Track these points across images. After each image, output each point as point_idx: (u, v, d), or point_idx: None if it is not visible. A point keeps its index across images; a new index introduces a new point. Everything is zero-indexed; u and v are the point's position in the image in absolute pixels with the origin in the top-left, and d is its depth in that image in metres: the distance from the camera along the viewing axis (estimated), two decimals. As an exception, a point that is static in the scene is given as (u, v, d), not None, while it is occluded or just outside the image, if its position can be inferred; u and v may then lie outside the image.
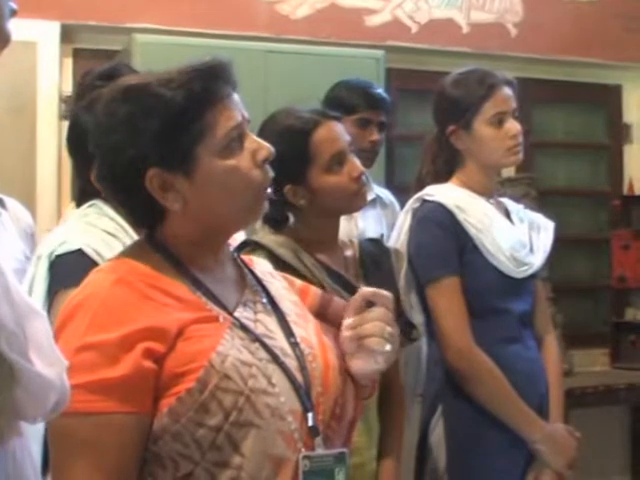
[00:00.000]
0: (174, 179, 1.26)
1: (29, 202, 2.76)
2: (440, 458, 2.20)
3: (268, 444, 1.21)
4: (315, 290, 1.49)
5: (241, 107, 1.31)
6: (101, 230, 1.87)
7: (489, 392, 2.17)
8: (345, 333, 1.35)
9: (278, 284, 1.44)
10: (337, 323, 1.43)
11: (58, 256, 1.84)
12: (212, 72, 1.27)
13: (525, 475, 2.21)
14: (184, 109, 1.24)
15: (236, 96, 1.31)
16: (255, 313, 1.32)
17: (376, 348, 1.32)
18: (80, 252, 1.82)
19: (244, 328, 1.26)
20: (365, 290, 1.36)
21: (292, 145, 1.87)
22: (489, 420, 2.16)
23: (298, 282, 1.50)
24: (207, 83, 1.26)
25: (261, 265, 1.48)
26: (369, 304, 1.35)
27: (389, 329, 1.32)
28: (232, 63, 1.31)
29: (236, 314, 1.28)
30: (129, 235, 1.81)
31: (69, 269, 1.73)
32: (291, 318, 1.36)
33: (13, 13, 1.14)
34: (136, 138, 1.24)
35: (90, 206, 1.95)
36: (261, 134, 1.90)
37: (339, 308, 1.46)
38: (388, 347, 1.32)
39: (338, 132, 1.93)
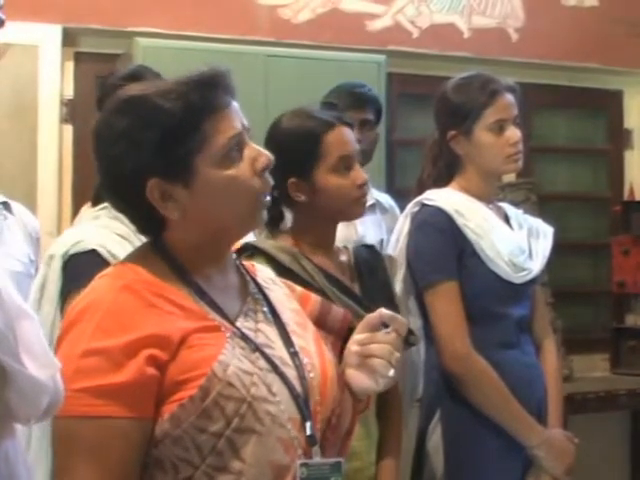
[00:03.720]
0: (173, 189, 1.27)
1: (30, 205, 2.76)
2: (438, 463, 2.20)
3: (268, 451, 1.22)
4: (315, 298, 1.51)
5: (241, 115, 1.32)
6: (114, 233, 1.87)
7: (487, 397, 2.16)
8: (353, 347, 1.37)
9: (279, 291, 1.45)
10: (335, 331, 1.46)
11: (72, 256, 1.85)
12: (210, 82, 1.28)
13: (523, 480, 2.21)
14: (182, 120, 1.25)
15: (235, 104, 1.31)
16: (256, 322, 1.33)
17: (380, 370, 1.33)
18: (94, 252, 1.83)
19: (245, 338, 1.28)
20: (384, 311, 1.37)
21: (305, 140, 1.93)
22: (487, 425, 2.16)
23: (298, 289, 1.52)
24: (205, 93, 1.27)
25: (263, 272, 1.49)
26: (383, 325, 1.36)
27: (397, 355, 1.34)
28: (230, 72, 1.32)
29: (237, 324, 1.30)
30: (140, 239, 1.81)
31: (83, 269, 1.73)
32: (291, 328, 1.37)
33: (1, 23, 1.15)
34: (136, 150, 1.26)
35: (102, 209, 1.95)
36: (273, 130, 1.96)
37: (338, 317, 1.49)
38: (392, 372, 1.33)
39: (349, 138, 1.98)
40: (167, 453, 1.20)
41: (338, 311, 1.51)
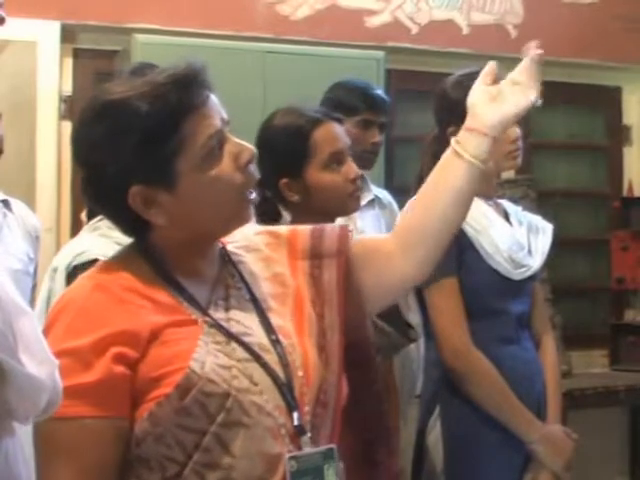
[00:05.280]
0: (156, 194, 1.25)
1: (29, 201, 2.76)
2: (437, 459, 2.20)
3: (258, 442, 1.21)
4: (304, 229, 1.44)
5: (219, 109, 1.29)
6: (114, 242, 1.88)
7: (486, 392, 2.16)
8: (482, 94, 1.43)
9: (254, 258, 1.39)
10: (336, 250, 1.39)
11: (76, 267, 1.85)
12: (186, 81, 1.25)
13: (522, 476, 2.21)
14: (160, 123, 1.23)
15: (213, 98, 1.28)
16: (227, 310, 1.30)
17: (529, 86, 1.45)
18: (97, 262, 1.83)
19: (220, 329, 1.26)
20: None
21: (293, 140, 1.91)
22: (486, 421, 2.16)
23: (284, 231, 1.45)
24: (181, 93, 1.24)
25: (236, 242, 1.41)
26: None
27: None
28: (206, 66, 1.29)
29: (212, 314, 1.27)
30: None
31: None
32: (267, 305, 1.33)
33: (1, 21, 1.14)
34: (116, 156, 1.24)
35: (100, 220, 1.96)
36: (263, 131, 1.95)
37: (334, 235, 1.42)
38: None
39: (339, 133, 1.97)
40: (151, 452, 1.20)
41: (332, 229, 1.44)
